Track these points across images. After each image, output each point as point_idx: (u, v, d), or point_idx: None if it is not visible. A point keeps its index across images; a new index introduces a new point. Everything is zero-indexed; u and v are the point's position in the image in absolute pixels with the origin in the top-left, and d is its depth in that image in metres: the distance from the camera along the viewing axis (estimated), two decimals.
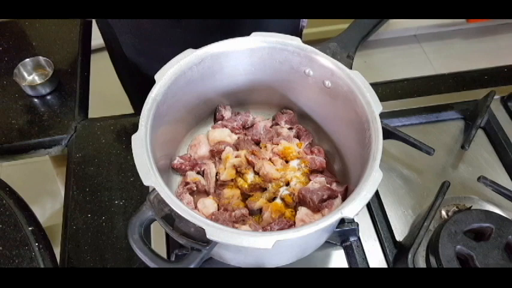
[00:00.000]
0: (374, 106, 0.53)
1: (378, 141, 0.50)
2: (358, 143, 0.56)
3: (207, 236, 0.44)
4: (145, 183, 0.47)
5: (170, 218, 0.48)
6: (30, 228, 0.60)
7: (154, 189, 0.48)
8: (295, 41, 0.59)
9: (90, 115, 0.83)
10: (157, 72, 0.56)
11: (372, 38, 0.75)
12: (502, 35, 2.09)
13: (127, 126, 0.77)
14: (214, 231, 0.44)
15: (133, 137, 0.51)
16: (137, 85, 0.57)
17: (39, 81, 0.82)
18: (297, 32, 0.90)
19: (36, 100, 0.81)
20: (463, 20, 2.02)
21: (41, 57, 0.83)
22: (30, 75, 0.84)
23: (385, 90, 0.82)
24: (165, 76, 0.55)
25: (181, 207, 0.46)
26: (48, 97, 0.82)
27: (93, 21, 0.95)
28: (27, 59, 0.82)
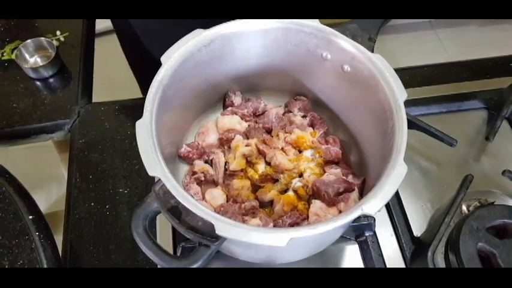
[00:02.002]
0: (398, 93, 0.49)
1: (403, 132, 0.47)
2: (378, 133, 0.52)
3: (216, 232, 0.41)
4: (150, 173, 0.45)
5: (177, 211, 0.46)
6: (30, 217, 0.58)
7: (159, 179, 0.45)
8: (313, 21, 0.56)
9: (95, 100, 0.80)
10: (164, 54, 0.53)
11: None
12: None
13: (132, 111, 0.75)
14: (224, 226, 0.42)
15: (137, 123, 0.48)
16: (148, 68, 0.55)
17: (41, 63, 0.79)
18: None
19: (38, 83, 0.79)
20: None
21: (43, 38, 0.80)
22: (32, 57, 0.81)
23: (403, 77, 0.77)
24: (172, 58, 0.53)
25: (188, 200, 0.43)
26: (51, 80, 0.79)
27: None
28: (29, 40, 0.80)
